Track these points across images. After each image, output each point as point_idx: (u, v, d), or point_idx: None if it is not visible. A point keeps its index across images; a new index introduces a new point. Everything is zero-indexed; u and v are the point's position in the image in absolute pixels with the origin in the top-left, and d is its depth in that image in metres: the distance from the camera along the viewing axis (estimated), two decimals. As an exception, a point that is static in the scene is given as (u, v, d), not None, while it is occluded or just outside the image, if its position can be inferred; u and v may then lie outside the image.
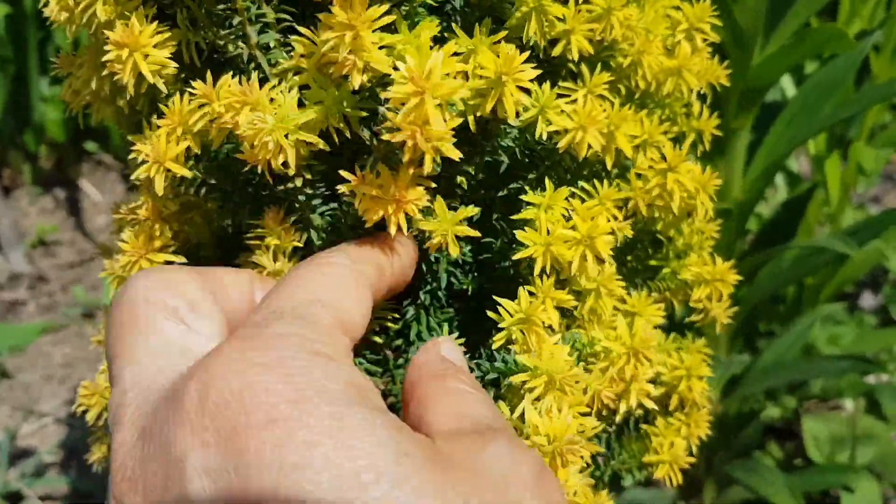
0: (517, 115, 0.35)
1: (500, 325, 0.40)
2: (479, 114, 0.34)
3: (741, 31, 0.85)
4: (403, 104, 0.29)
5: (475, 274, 0.45)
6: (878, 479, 1.01)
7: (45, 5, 0.40)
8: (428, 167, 0.32)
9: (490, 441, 0.30)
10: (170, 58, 0.38)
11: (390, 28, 0.32)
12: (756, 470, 0.95)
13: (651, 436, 0.53)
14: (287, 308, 0.31)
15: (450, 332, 0.45)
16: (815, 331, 1.11)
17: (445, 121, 0.29)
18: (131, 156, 0.39)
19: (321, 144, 0.34)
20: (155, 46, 0.37)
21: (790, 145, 0.91)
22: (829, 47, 0.83)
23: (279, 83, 0.36)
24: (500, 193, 0.41)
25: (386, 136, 0.30)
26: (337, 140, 0.35)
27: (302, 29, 0.35)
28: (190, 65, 0.40)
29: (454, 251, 0.36)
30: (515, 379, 0.38)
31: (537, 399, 0.38)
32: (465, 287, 0.44)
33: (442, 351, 0.37)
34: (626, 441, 0.55)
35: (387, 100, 0.31)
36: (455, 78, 0.31)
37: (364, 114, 0.34)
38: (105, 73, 0.38)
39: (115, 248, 0.57)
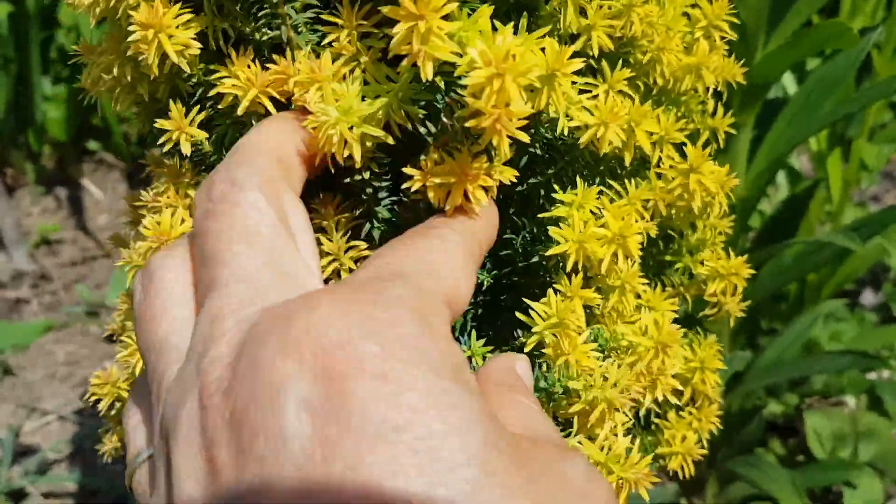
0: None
1: (532, 329, 0.40)
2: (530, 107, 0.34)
3: (744, 28, 0.86)
4: (482, 90, 0.29)
5: (490, 268, 0.46)
6: (880, 475, 1.01)
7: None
8: (504, 151, 0.32)
9: (569, 456, 0.29)
10: (193, 39, 0.38)
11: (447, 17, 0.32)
12: (758, 466, 0.96)
13: (664, 429, 0.54)
14: (400, 271, 0.30)
15: (464, 326, 0.46)
16: (817, 328, 1.12)
17: (525, 101, 0.29)
18: (162, 139, 0.39)
19: (387, 139, 0.34)
20: (178, 27, 0.38)
21: (792, 143, 0.91)
22: (831, 44, 0.83)
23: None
24: (519, 188, 0.42)
25: (471, 123, 0.30)
26: (399, 133, 0.35)
27: (346, 20, 0.35)
28: (216, 50, 0.40)
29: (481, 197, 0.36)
30: (574, 409, 0.39)
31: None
32: (482, 282, 0.45)
33: (517, 368, 0.37)
34: (637, 435, 0.55)
35: (454, 90, 0.31)
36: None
37: (422, 111, 0.34)
38: (129, 54, 0.38)
39: (129, 239, 0.58)
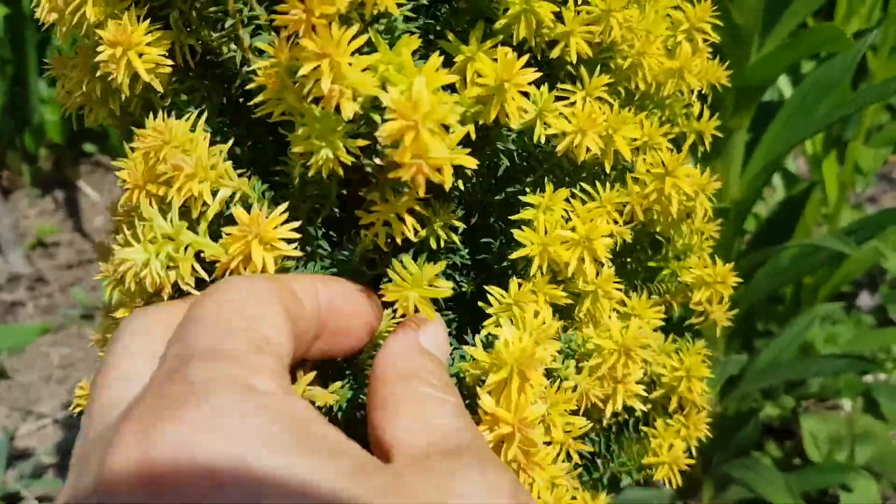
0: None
1: (488, 312, 0.40)
2: (480, 121, 0.34)
3: (739, 30, 0.85)
4: (397, 142, 0.28)
5: (473, 276, 0.45)
6: (876, 478, 1.01)
7: (38, 6, 0.39)
8: (421, 193, 0.31)
9: (460, 466, 0.28)
10: (163, 56, 0.37)
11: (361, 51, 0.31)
12: (754, 469, 0.95)
13: (650, 437, 0.53)
14: (198, 346, 0.28)
15: (450, 335, 0.45)
16: (813, 330, 1.11)
17: (446, 141, 0.29)
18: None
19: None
20: (149, 44, 0.37)
21: (787, 145, 0.91)
22: (826, 47, 0.83)
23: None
24: (498, 197, 0.41)
25: (392, 175, 0.29)
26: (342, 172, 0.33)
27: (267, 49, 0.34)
28: (184, 67, 0.40)
29: (430, 315, 0.35)
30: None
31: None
32: (465, 290, 0.44)
33: (421, 343, 0.34)
34: (625, 443, 0.55)
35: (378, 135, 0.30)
36: (447, 92, 0.30)
37: (362, 143, 0.33)
38: (98, 74, 0.37)
39: (111, 249, 0.57)
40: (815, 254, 0.98)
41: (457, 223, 0.39)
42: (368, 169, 0.35)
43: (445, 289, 0.35)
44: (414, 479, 0.27)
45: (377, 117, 0.31)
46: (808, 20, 0.96)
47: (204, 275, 0.34)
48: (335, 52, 0.29)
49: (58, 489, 1.17)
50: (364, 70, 0.29)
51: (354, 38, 0.29)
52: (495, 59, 0.33)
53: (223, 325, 0.29)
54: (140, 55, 0.36)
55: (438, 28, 0.36)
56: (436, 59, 0.29)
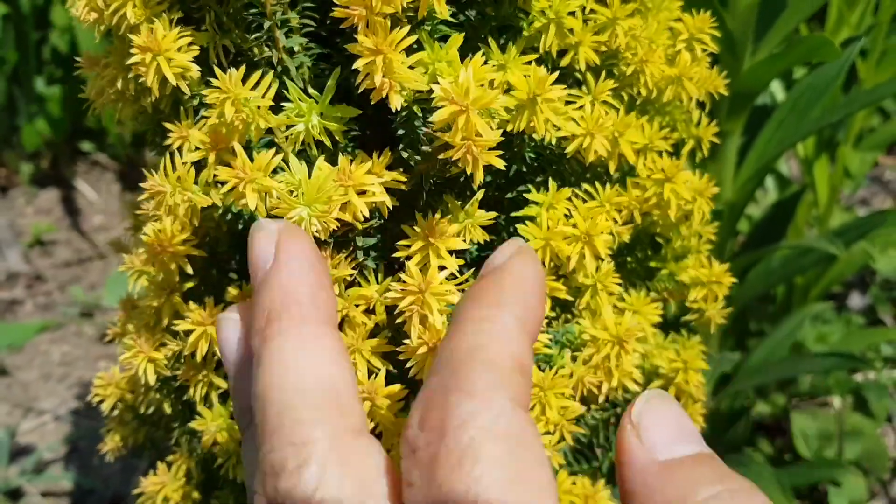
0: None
1: None
2: (510, 128, 0.36)
3: (732, 36, 0.87)
4: (450, 125, 0.31)
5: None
6: (864, 474, 1.03)
7: (72, 5, 0.41)
8: (479, 178, 0.33)
9: None
10: (194, 60, 0.39)
11: (411, 49, 0.33)
12: (746, 465, 0.97)
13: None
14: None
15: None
16: (804, 329, 1.13)
17: (492, 129, 0.31)
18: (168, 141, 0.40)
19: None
20: (178, 50, 0.39)
21: (780, 148, 0.93)
22: (815, 56, 0.85)
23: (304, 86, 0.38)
24: (509, 195, 0.43)
25: (443, 155, 0.31)
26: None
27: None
28: (218, 65, 0.41)
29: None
30: None
31: None
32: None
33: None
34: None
35: (430, 121, 0.33)
36: (489, 87, 0.33)
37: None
38: (131, 74, 0.39)
39: (131, 244, 0.59)
40: (805, 255, 1.00)
41: (488, 221, 0.40)
42: (408, 160, 0.37)
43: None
44: None
45: (418, 110, 0.33)
46: (801, 27, 0.98)
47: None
48: (388, 49, 0.31)
49: (59, 484, 1.19)
50: (411, 67, 0.32)
51: (404, 38, 0.32)
52: (526, 75, 0.35)
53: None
54: (169, 60, 0.38)
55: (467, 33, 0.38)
56: (479, 57, 0.32)
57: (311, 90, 0.38)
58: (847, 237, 0.94)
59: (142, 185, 0.40)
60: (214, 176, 0.37)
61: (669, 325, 0.59)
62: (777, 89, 1.10)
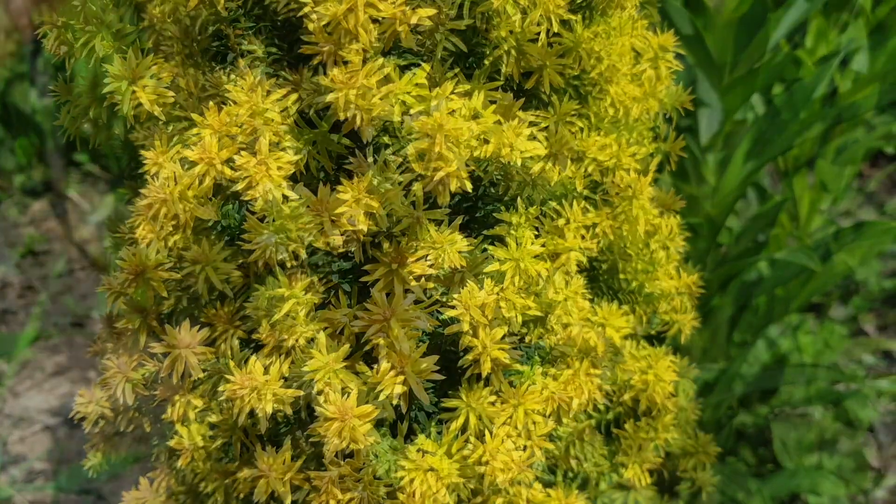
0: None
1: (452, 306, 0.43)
2: (478, 154, 0.37)
3: (710, 53, 0.89)
4: (422, 155, 0.32)
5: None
6: (844, 482, 1.04)
7: (44, 36, 0.42)
8: (444, 201, 0.35)
9: None
10: (167, 87, 0.40)
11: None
12: (728, 475, 0.99)
13: (621, 439, 0.57)
14: None
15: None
16: (786, 340, 1.15)
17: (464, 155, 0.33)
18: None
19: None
20: (152, 77, 0.40)
21: (759, 162, 0.95)
22: (791, 73, 0.87)
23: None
24: (478, 215, 0.45)
25: (416, 187, 0.34)
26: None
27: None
28: (186, 94, 0.43)
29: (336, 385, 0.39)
30: None
31: None
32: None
33: None
34: (598, 445, 0.58)
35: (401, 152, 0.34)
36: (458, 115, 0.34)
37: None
38: (106, 103, 0.40)
39: (111, 262, 0.60)
40: (786, 267, 1.01)
41: (467, 248, 0.42)
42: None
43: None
44: None
45: (389, 140, 0.35)
46: (782, 43, 1.00)
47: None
48: (360, 82, 0.32)
49: (49, 494, 1.20)
50: (382, 98, 0.33)
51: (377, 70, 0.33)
52: (492, 101, 0.37)
53: None
54: (144, 87, 0.39)
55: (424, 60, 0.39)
56: (449, 85, 0.33)
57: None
58: (827, 249, 0.96)
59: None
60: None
61: (646, 338, 0.61)
62: (757, 103, 1.12)
